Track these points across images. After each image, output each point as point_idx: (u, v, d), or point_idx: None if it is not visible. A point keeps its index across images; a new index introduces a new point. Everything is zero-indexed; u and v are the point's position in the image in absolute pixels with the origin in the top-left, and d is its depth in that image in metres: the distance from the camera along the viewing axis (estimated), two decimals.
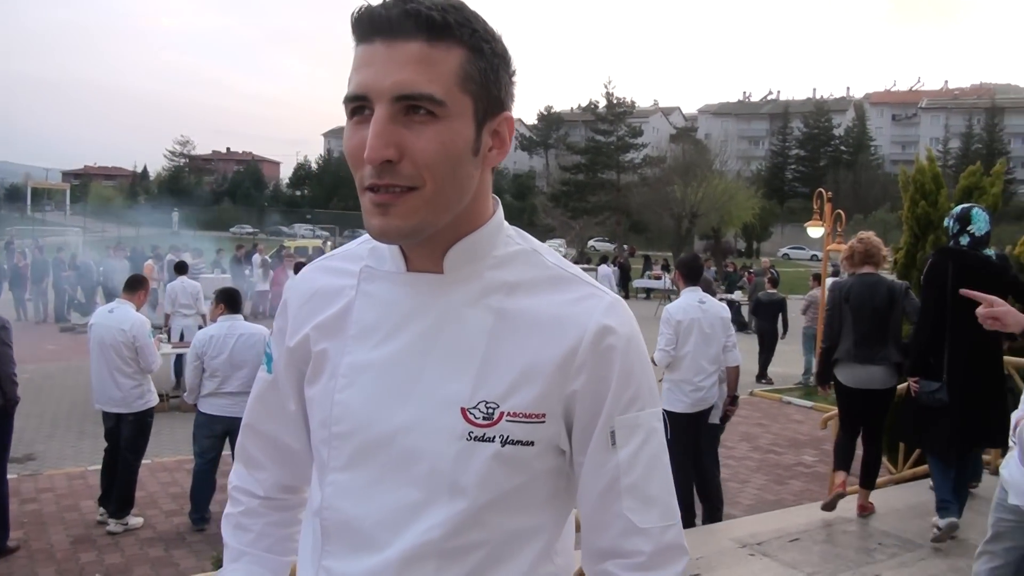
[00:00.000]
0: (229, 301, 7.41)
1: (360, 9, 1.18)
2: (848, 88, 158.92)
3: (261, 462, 1.52)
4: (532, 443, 1.25)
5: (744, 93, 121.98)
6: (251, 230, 63.76)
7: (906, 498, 6.51)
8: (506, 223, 1.35)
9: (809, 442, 10.44)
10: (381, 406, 1.26)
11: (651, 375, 1.33)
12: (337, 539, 1.28)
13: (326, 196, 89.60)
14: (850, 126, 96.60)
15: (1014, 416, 3.34)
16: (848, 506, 6.29)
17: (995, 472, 6.75)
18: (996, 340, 5.25)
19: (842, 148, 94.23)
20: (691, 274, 6.67)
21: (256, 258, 23.47)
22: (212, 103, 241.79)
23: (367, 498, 1.26)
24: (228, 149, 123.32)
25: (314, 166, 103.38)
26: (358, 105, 1.18)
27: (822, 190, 16.68)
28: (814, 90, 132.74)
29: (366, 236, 1.39)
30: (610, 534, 1.30)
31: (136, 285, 7.53)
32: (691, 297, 6.44)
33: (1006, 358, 6.95)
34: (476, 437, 1.23)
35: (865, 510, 6.07)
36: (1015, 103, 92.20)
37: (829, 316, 6.10)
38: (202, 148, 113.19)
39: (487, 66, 1.20)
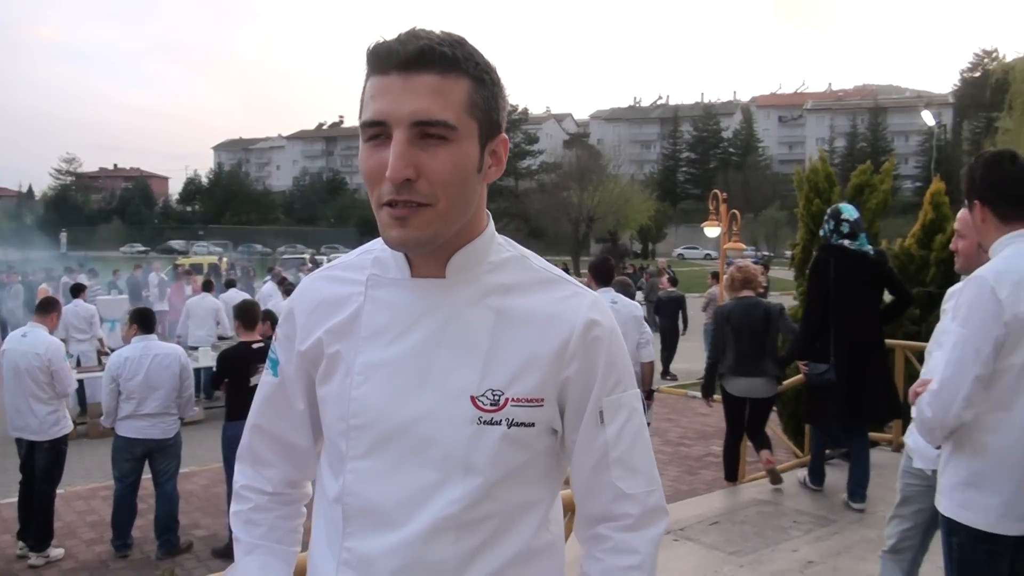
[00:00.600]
0: (142, 321, 7.33)
1: (377, 44, 1.34)
2: (735, 92, 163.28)
3: (269, 460, 1.65)
4: (533, 424, 1.42)
5: (634, 98, 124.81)
6: (143, 248, 62.08)
7: None
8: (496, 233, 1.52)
9: (716, 433, 10.81)
10: (396, 399, 1.41)
11: (629, 361, 1.53)
12: (359, 521, 1.42)
13: (218, 211, 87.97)
14: (738, 128, 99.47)
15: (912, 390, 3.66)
16: (762, 489, 6.64)
17: (897, 449, 7.21)
18: (876, 326, 6.00)
19: (731, 150, 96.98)
20: (602, 276, 6.96)
21: (152, 277, 22.96)
22: (97, 118, 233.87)
23: (387, 482, 1.41)
24: (116, 165, 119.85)
25: (204, 180, 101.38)
26: (376, 131, 1.33)
27: (717, 191, 17.27)
28: (702, 94, 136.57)
29: (363, 249, 1.56)
30: (601, 501, 1.50)
31: (49, 307, 7.38)
32: (604, 298, 6.66)
33: (905, 343, 7.47)
34: (485, 421, 1.39)
35: (771, 463, 6.73)
36: (897, 103, 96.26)
37: (714, 335, 6.82)
38: (89, 165, 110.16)
39: (489, 94, 1.38)
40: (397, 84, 1.31)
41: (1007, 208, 2.75)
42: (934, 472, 3.33)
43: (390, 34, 1.35)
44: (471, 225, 1.44)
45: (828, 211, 6.18)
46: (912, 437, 3.54)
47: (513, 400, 1.40)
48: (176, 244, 64.23)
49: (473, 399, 1.39)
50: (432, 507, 1.38)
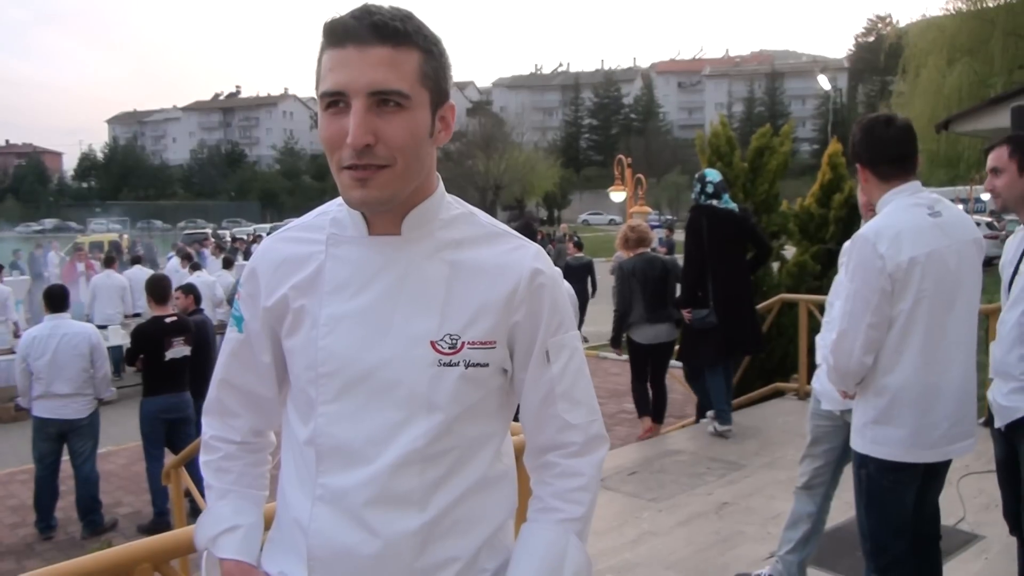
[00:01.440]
0: (52, 300, 7.20)
1: (333, 19, 1.46)
2: (635, 59, 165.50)
3: (236, 411, 1.76)
4: (487, 365, 1.57)
5: (536, 66, 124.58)
6: (39, 228, 59.79)
7: None
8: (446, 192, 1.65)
9: (627, 392, 10.99)
10: (361, 347, 1.54)
11: (569, 306, 1.68)
12: (332, 460, 1.54)
13: (115, 186, 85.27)
14: (639, 95, 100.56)
15: (818, 339, 3.92)
16: (676, 440, 6.92)
17: (803, 397, 7.59)
18: (745, 274, 6.93)
19: (632, 116, 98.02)
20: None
21: (52, 256, 22.26)
22: None
23: (356, 422, 1.53)
24: (7, 142, 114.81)
25: (100, 155, 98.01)
26: (334, 99, 1.45)
27: (621, 157, 17.58)
28: (602, 61, 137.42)
29: (319, 211, 1.67)
30: (548, 432, 1.66)
31: None
32: None
33: (807, 296, 7.89)
34: (445, 363, 1.53)
35: (649, 431, 7.60)
36: (793, 68, 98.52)
37: (620, 289, 7.39)
38: None
39: (438, 65, 1.50)
40: (354, 56, 1.42)
41: (886, 168, 3.00)
42: (842, 412, 3.61)
43: (343, 10, 1.46)
44: (423, 186, 1.56)
45: (696, 176, 6.95)
46: (819, 382, 3.79)
47: (469, 343, 1.54)
48: (73, 223, 61.95)
49: (433, 343, 1.52)
50: (399, 443, 1.51)
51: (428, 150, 1.53)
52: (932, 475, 3.09)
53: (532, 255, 1.60)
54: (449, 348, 1.53)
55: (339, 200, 1.58)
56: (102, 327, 12.58)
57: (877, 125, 3.02)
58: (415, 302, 1.54)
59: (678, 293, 7.47)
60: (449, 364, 1.53)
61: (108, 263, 14.69)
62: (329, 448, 1.54)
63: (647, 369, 7.82)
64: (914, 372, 2.90)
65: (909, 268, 2.82)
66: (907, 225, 2.88)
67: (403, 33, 1.44)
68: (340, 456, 1.54)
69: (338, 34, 1.44)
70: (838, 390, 3.25)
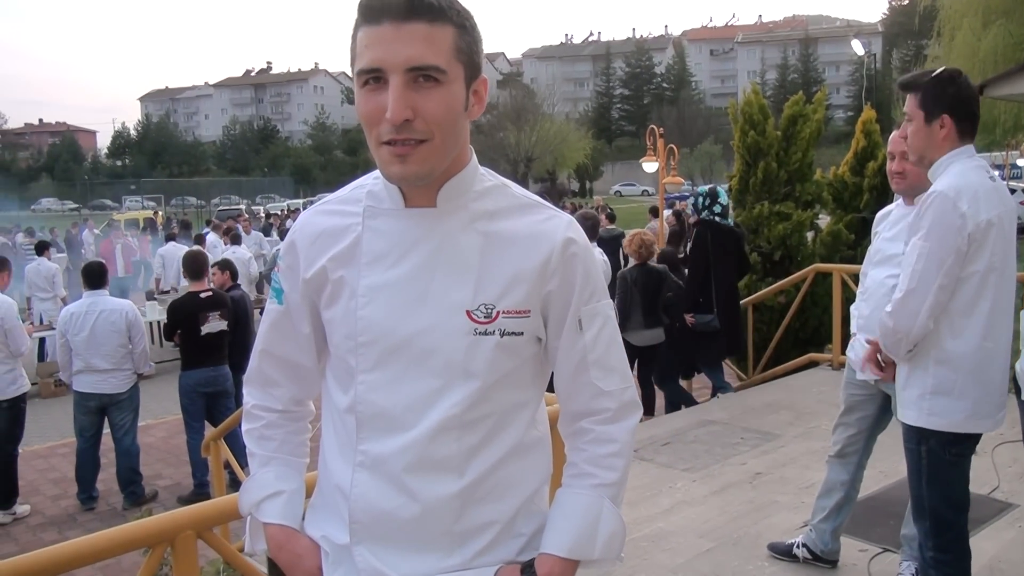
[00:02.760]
0: (90, 276, 7.29)
1: None
2: (666, 26, 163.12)
3: (277, 380, 1.80)
4: (522, 333, 1.59)
5: (566, 35, 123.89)
6: (74, 206, 60.46)
7: (760, 398, 7.19)
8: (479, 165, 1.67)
9: None
10: (399, 316, 1.57)
11: (602, 275, 1.70)
12: (371, 426, 1.58)
13: (149, 164, 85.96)
14: (670, 63, 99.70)
15: (853, 309, 3.91)
16: (710, 410, 6.93)
17: (838, 367, 7.56)
18: (735, 282, 7.79)
19: (664, 85, 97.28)
20: (588, 232, 7.21)
21: (86, 235, 22.60)
22: (17, 72, 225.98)
23: (395, 390, 1.57)
24: (41, 120, 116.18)
25: (133, 133, 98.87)
26: (372, 76, 1.47)
27: (654, 127, 17.40)
28: (633, 30, 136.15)
29: (356, 184, 1.70)
30: (582, 398, 1.68)
31: (1, 266, 7.32)
32: None
33: (841, 266, 7.85)
34: (480, 332, 1.56)
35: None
36: (827, 33, 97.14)
37: (622, 297, 7.79)
38: (14, 121, 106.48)
39: (471, 39, 1.52)
40: (390, 33, 1.44)
41: (970, 125, 2.92)
42: (876, 382, 3.60)
43: None
44: (458, 159, 1.58)
45: (707, 190, 7.68)
46: (853, 351, 3.78)
47: (504, 312, 1.56)
48: (108, 201, 62.59)
49: (468, 313, 1.55)
50: (436, 410, 1.55)
51: (463, 124, 1.54)
52: None
53: (565, 225, 1.62)
54: (484, 317, 1.55)
55: (375, 173, 1.61)
56: (170, 291, 12.89)
57: (962, 78, 2.94)
58: (451, 272, 1.56)
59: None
60: (485, 333, 1.55)
61: (170, 237, 15.66)
62: (369, 415, 1.58)
63: (634, 367, 7.94)
64: (979, 340, 2.84)
65: (986, 229, 2.78)
66: (982, 186, 2.83)
67: (438, 8, 1.45)
68: (380, 423, 1.57)
69: (374, 11, 1.45)
70: (871, 366, 3.18)
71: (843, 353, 5.36)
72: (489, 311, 1.56)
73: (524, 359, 1.62)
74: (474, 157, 1.64)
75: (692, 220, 8.78)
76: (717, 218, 7.42)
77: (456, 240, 1.58)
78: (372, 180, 1.64)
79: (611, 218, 19.06)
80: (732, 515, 4.74)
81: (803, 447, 5.79)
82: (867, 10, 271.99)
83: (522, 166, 54.07)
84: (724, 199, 7.50)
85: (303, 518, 1.75)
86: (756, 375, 8.42)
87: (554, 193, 52.05)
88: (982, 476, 3.63)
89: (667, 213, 17.34)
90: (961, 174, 2.84)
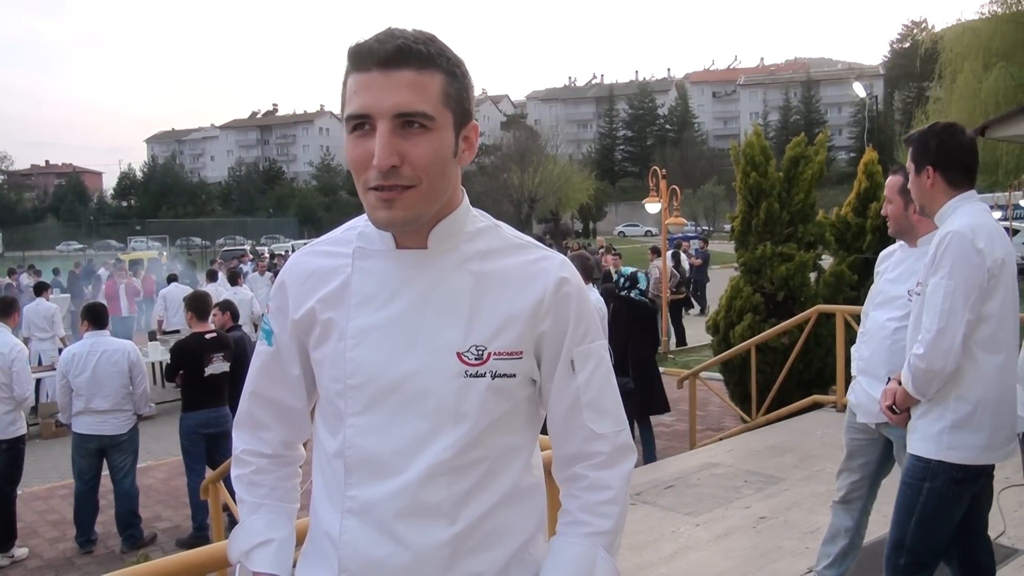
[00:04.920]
0: (93, 317, 7.29)
1: (358, 44, 1.49)
2: (669, 69, 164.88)
3: (267, 423, 1.78)
4: (514, 375, 1.57)
5: (569, 78, 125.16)
6: (79, 246, 60.69)
7: (764, 440, 7.13)
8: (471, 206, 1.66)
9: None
10: (389, 358, 1.55)
11: (595, 315, 1.68)
12: (360, 471, 1.55)
13: (154, 205, 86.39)
14: (673, 105, 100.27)
15: (853, 351, 3.88)
16: (712, 454, 6.87)
17: (841, 409, 7.50)
18: (651, 351, 8.53)
19: (667, 127, 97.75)
20: (585, 274, 7.28)
21: (102, 272, 22.68)
22: (25, 114, 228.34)
23: (384, 434, 1.54)
24: (47, 162, 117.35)
25: (139, 174, 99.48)
26: (360, 122, 1.48)
27: (656, 168, 17.48)
28: (636, 72, 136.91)
29: (347, 226, 1.70)
30: (575, 442, 1.65)
31: (9, 308, 7.31)
32: None
33: (844, 307, 7.82)
34: (471, 374, 1.54)
35: None
36: (829, 75, 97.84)
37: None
38: (20, 163, 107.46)
39: (460, 86, 1.53)
40: (378, 80, 1.45)
41: (957, 175, 3.03)
42: (877, 425, 3.57)
43: (368, 34, 1.49)
44: (449, 201, 1.58)
45: (628, 271, 8.67)
46: (854, 394, 3.75)
47: (495, 354, 1.55)
48: (113, 241, 62.80)
49: (459, 355, 1.53)
50: (427, 454, 1.52)
51: (452, 170, 1.55)
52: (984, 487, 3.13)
53: (558, 265, 1.61)
54: (475, 359, 1.54)
55: (367, 215, 1.60)
56: (175, 332, 12.89)
57: (955, 132, 3.08)
58: (441, 314, 1.55)
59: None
60: (476, 375, 1.54)
61: (172, 277, 15.69)
62: (358, 460, 1.55)
63: None
64: (999, 374, 2.93)
65: (1001, 266, 2.89)
66: (992, 225, 2.95)
67: (426, 56, 1.46)
68: (369, 468, 1.55)
69: (363, 58, 1.46)
70: (883, 409, 3.20)
71: (846, 395, 5.32)
72: (480, 352, 1.54)
73: (517, 402, 1.60)
74: (466, 199, 1.64)
75: (694, 261, 9.03)
76: (633, 294, 8.41)
77: (447, 280, 1.57)
78: (364, 222, 1.63)
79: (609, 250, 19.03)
80: (736, 561, 4.68)
81: (807, 490, 5.72)
82: (868, 53, 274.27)
83: (525, 207, 54.21)
84: (643, 283, 8.61)
85: (294, 566, 1.71)
86: (760, 417, 8.36)
87: (557, 233, 52.09)
88: (988, 520, 3.57)
89: (669, 254, 17.37)
90: (972, 215, 2.95)
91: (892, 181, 3.66)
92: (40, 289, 13.88)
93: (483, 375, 1.54)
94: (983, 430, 2.92)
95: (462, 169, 1.60)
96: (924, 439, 2.99)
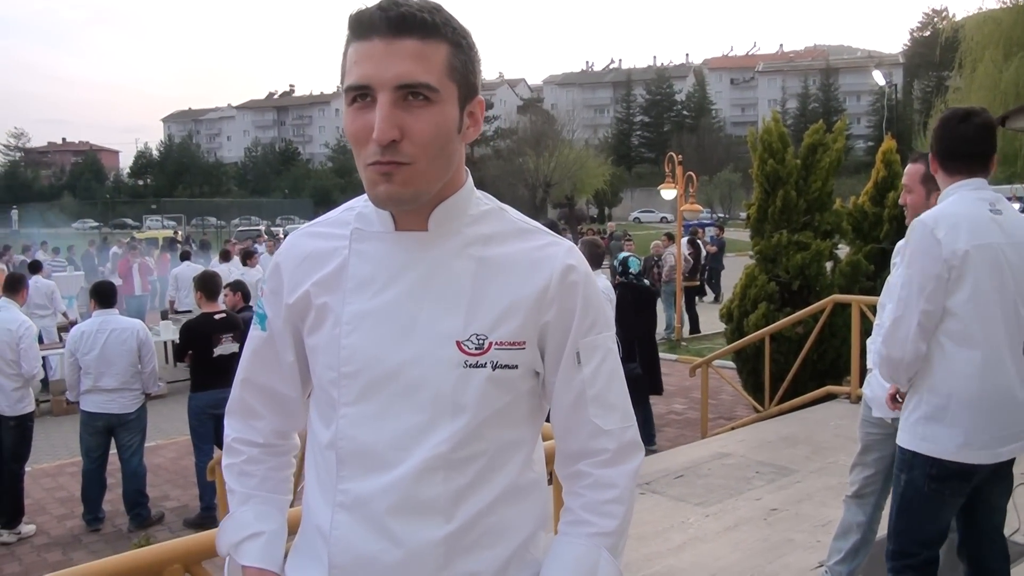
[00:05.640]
0: (101, 296, 7.27)
1: (359, 11, 1.40)
2: (687, 55, 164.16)
3: (259, 412, 1.71)
4: (516, 366, 1.49)
5: (587, 63, 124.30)
6: (95, 224, 60.93)
7: (777, 431, 7.06)
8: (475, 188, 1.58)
9: (677, 391, 11.01)
10: (385, 346, 1.47)
11: (603, 305, 1.60)
12: (352, 464, 1.48)
13: (170, 184, 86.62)
14: (691, 91, 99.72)
15: (869, 342, 3.81)
16: (723, 444, 6.80)
17: (855, 400, 7.40)
18: (653, 334, 8.99)
19: (684, 113, 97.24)
20: (594, 260, 7.21)
21: (115, 250, 22.72)
22: (42, 91, 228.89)
23: (378, 425, 1.47)
24: (64, 140, 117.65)
25: (155, 153, 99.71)
26: (360, 93, 1.39)
27: (672, 154, 17.35)
28: (654, 58, 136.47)
29: (346, 206, 1.61)
30: (580, 438, 1.57)
31: (17, 284, 7.32)
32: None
33: (860, 298, 7.71)
34: (471, 364, 1.46)
35: None
36: (848, 63, 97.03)
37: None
38: (37, 140, 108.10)
39: (466, 58, 1.44)
40: (380, 49, 1.36)
41: (952, 163, 2.96)
42: (893, 420, 3.49)
43: (370, 2, 1.40)
44: (452, 181, 1.50)
45: (620, 257, 8.96)
46: (869, 388, 3.68)
47: (497, 343, 1.47)
48: (129, 220, 63.01)
49: (459, 343, 1.46)
50: (423, 447, 1.45)
51: (456, 146, 1.46)
52: (988, 488, 3.01)
53: (564, 251, 1.53)
54: (476, 348, 1.46)
55: (366, 195, 1.52)
56: (187, 312, 12.87)
57: (953, 119, 2.99)
58: (441, 300, 1.47)
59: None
60: (476, 365, 1.46)
61: (185, 256, 15.62)
62: (350, 452, 1.48)
63: None
64: (974, 369, 2.82)
65: (964, 258, 2.77)
66: (967, 215, 2.84)
67: (431, 25, 1.38)
68: (362, 460, 1.47)
69: (364, 26, 1.38)
70: (887, 399, 3.20)
71: (861, 386, 5.23)
72: (481, 342, 1.46)
73: (519, 394, 1.52)
74: (470, 180, 1.56)
75: (709, 248, 9.06)
76: (634, 280, 8.62)
77: (448, 265, 1.49)
78: (363, 202, 1.55)
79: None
80: (746, 553, 4.61)
81: (820, 483, 5.64)
82: (888, 41, 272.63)
83: (540, 191, 53.91)
84: (634, 267, 8.77)
85: (285, 559, 1.65)
86: (772, 407, 8.28)
87: (572, 219, 51.95)
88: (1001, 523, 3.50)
89: (684, 240, 17.25)
90: (952, 203, 2.90)
91: (912, 169, 3.58)
92: (35, 268, 13.93)
93: (483, 365, 1.46)
94: (958, 426, 2.83)
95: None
96: (903, 429, 2.98)
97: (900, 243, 3.79)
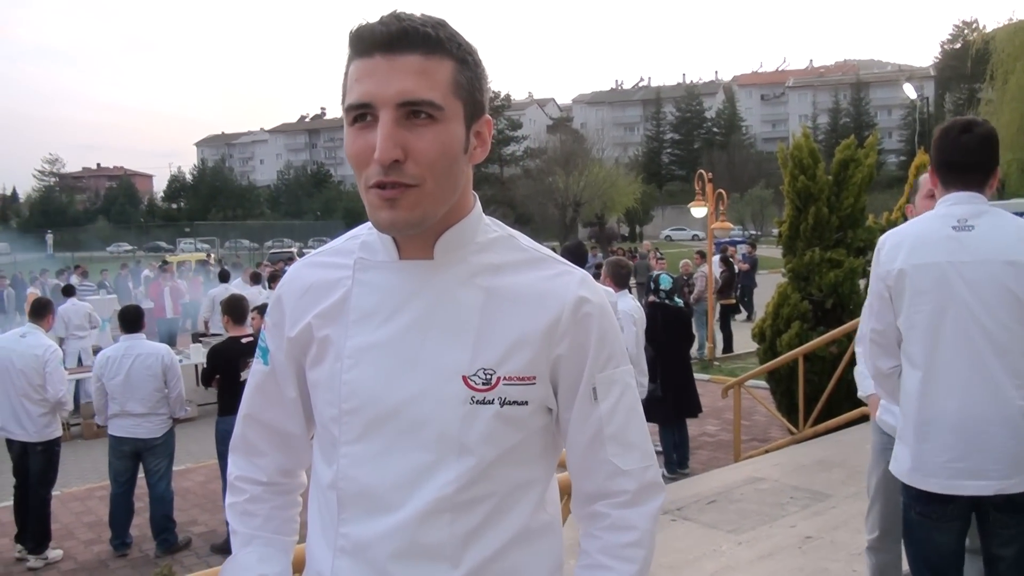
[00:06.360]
0: (127, 320, 7.27)
1: (360, 27, 1.33)
2: (716, 71, 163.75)
3: (262, 449, 1.64)
4: (526, 403, 1.41)
5: (616, 81, 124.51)
6: (129, 248, 61.65)
7: (811, 454, 6.90)
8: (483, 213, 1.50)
9: (710, 412, 10.80)
10: (387, 381, 1.39)
11: (620, 338, 1.52)
12: (354, 506, 1.41)
13: (203, 207, 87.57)
14: (721, 108, 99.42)
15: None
16: (757, 467, 6.65)
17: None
18: (686, 356, 8.75)
19: (715, 130, 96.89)
20: (620, 281, 7.14)
21: (147, 274, 22.91)
22: (78, 118, 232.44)
23: (381, 465, 1.39)
24: (99, 165, 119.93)
25: (189, 177, 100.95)
26: (361, 112, 1.32)
27: (702, 172, 17.23)
28: (684, 75, 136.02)
29: (350, 234, 1.54)
30: (597, 478, 1.49)
31: (44, 310, 7.33)
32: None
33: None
34: (478, 401, 1.38)
35: None
36: (879, 77, 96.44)
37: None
38: (72, 165, 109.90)
39: (472, 75, 1.37)
40: (382, 66, 1.30)
41: (945, 173, 2.85)
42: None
43: (372, 17, 1.34)
44: (458, 206, 1.42)
45: (653, 275, 8.86)
46: (891, 415, 3.59)
47: (505, 379, 1.39)
48: (163, 243, 63.75)
49: (465, 379, 1.38)
50: (427, 489, 1.37)
51: (462, 167, 1.39)
52: (995, 529, 2.73)
53: (577, 281, 1.45)
54: (483, 384, 1.38)
55: (370, 223, 1.45)
56: (218, 335, 12.96)
57: (952, 129, 2.86)
58: (446, 332, 1.39)
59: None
60: (483, 402, 1.38)
61: (223, 278, 15.75)
62: (352, 493, 1.41)
63: None
64: (919, 388, 2.72)
65: (900, 276, 2.72)
66: (916, 233, 2.78)
67: (435, 40, 1.31)
68: (363, 503, 1.40)
69: (365, 42, 1.31)
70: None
71: None
72: (488, 377, 1.38)
73: (530, 432, 1.44)
74: (478, 205, 1.48)
75: (741, 266, 8.96)
76: (667, 301, 8.42)
77: (454, 296, 1.41)
78: (367, 230, 1.49)
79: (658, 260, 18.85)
80: None
81: (856, 508, 5.45)
82: (919, 54, 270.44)
83: (570, 210, 53.95)
84: (665, 284, 8.49)
85: None
86: (807, 428, 8.10)
87: (603, 237, 51.86)
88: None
89: (715, 259, 17.09)
90: (912, 223, 2.89)
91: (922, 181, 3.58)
92: (68, 292, 14.11)
93: (491, 402, 1.38)
94: (910, 447, 2.74)
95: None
96: None
97: None
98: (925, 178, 3.47)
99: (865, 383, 3.64)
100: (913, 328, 2.72)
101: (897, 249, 2.76)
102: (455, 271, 1.42)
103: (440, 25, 1.34)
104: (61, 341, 13.05)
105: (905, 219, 3.91)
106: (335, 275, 1.48)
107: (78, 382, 11.73)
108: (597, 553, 1.47)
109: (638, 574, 1.47)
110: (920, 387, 2.72)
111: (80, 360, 12.55)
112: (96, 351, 12.38)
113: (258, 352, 1.63)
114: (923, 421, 2.71)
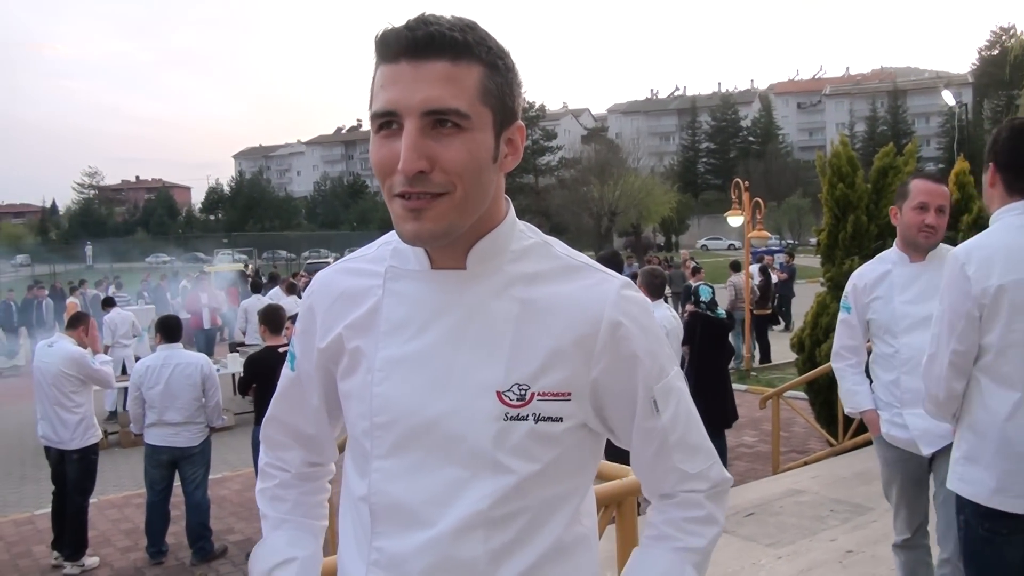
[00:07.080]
0: (166, 330, 7.33)
1: (385, 31, 1.29)
2: (752, 80, 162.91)
3: (287, 444, 1.67)
4: (560, 419, 1.37)
5: (651, 90, 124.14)
6: (167, 259, 62.38)
7: (851, 466, 6.80)
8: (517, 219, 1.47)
9: (748, 423, 10.72)
10: (420, 396, 1.36)
11: (665, 342, 1.48)
12: (387, 520, 1.38)
13: (241, 218, 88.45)
14: (757, 117, 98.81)
15: (887, 382, 3.69)
16: (796, 480, 6.56)
17: None
18: (723, 367, 8.42)
19: (751, 139, 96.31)
20: (654, 290, 7.08)
21: (184, 284, 23.13)
22: (116, 131, 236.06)
23: (414, 480, 1.36)
24: (137, 177, 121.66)
25: (226, 189, 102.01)
26: (386, 120, 1.28)
27: (739, 180, 17.11)
28: (719, 84, 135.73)
29: (383, 240, 1.51)
30: (667, 484, 1.50)
31: (77, 322, 7.41)
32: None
33: None
34: (512, 417, 1.34)
35: None
36: (916, 84, 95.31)
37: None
38: (111, 178, 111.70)
39: (503, 81, 1.32)
40: (407, 72, 1.26)
41: (1013, 176, 2.70)
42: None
43: (399, 21, 1.30)
44: (489, 215, 1.39)
45: (691, 286, 9.00)
46: (907, 431, 3.59)
47: (539, 394, 1.35)
48: (201, 254, 64.44)
49: (499, 394, 1.35)
50: (460, 504, 1.34)
51: (491, 176, 1.34)
52: None
53: (616, 290, 1.40)
54: (517, 400, 1.35)
55: None
56: (255, 345, 13.06)
57: (1021, 127, 2.72)
58: (480, 346, 1.36)
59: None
60: (517, 418, 1.34)
61: (255, 288, 15.88)
62: (384, 508, 1.38)
63: None
64: (1009, 410, 2.59)
65: (998, 294, 2.55)
66: (1004, 246, 2.60)
67: (463, 44, 1.27)
68: (396, 517, 1.37)
69: (390, 47, 1.28)
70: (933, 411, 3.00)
71: None
72: (523, 393, 1.35)
73: (564, 448, 1.39)
74: (511, 212, 1.44)
75: (779, 275, 8.89)
76: (708, 312, 8.35)
77: (487, 308, 1.37)
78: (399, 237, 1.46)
79: (695, 271, 18.73)
80: None
81: None
82: (956, 61, 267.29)
83: (606, 220, 53.82)
84: (705, 296, 8.48)
85: None
86: (847, 440, 7.98)
87: (639, 247, 51.66)
88: None
89: (753, 268, 16.94)
90: (991, 233, 2.68)
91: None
92: (108, 303, 14.37)
93: (525, 418, 1.35)
94: (992, 469, 2.61)
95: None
96: (950, 467, 2.80)
97: (862, 276, 3.88)
98: (915, 184, 3.43)
99: (856, 399, 3.71)
100: (1011, 347, 2.57)
101: (989, 265, 2.58)
102: (489, 282, 1.39)
103: (469, 28, 1.29)
104: (107, 349, 13.22)
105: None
106: (366, 283, 1.46)
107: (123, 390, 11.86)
108: (663, 524, 1.49)
109: (705, 547, 1.48)
110: (1012, 409, 2.59)
111: (124, 368, 12.67)
112: (137, 360, 12.55)
113: (288, 357, 1.63)
114: (1019, 441, 2.60)
